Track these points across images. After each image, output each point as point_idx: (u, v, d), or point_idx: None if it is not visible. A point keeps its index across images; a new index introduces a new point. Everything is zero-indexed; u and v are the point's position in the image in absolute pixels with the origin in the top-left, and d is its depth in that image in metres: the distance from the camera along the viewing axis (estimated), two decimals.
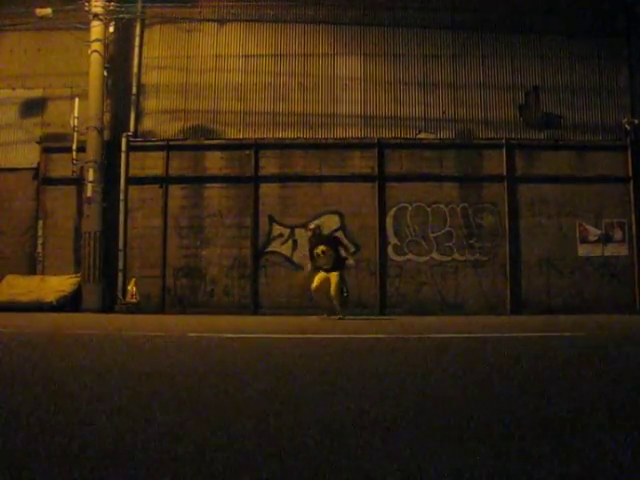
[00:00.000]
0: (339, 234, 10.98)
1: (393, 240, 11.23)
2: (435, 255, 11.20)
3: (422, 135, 11.61)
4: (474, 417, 1.76)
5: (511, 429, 1.61)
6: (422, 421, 1.72)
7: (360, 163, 11.36)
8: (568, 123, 11.66)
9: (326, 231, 10.43)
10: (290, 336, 5.43)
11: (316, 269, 8.85)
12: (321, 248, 8.72)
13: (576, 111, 11.69)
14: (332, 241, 9.13)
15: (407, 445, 1.43)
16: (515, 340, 5.08)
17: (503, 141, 11.38)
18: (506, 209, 11.24)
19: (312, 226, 9.23)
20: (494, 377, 2.72)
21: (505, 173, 11.32)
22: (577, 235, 11.26)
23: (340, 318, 8.52)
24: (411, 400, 2.09)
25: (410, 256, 11.21)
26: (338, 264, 8.81)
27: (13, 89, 11.87)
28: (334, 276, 8.68)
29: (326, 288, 8.66)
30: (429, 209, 11.29)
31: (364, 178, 11.31)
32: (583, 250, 11.24)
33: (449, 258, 11.20)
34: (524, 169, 11.40)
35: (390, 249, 11.22)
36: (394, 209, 11.28)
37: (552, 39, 11.81)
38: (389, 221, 11.26)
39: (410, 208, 11.28)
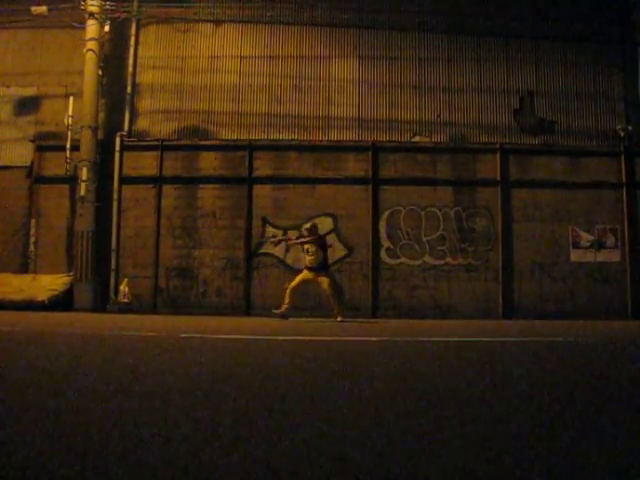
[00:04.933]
0: (331, 237, 11.02)
1: (386, 243, 11.25)
2: (428, 259, 11.22)
3: (417, 138, 11.63)
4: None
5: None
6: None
7: (354, 166, 11.37)
8: (562, 128, 11.70)
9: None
10: (282, 338, 5.43)
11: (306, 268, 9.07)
12: (306, 246, 8.97)
13: (570, 117, 11.73)
14: (320, 240, 9.20)
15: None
16: (498, 344, 5.10)
17: (497, 146, 11.41)
18: (499, 214, 11.27)
19: (308, 226, 9.36)
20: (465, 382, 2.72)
21: (499, 178, 11.35)
22: (570, 240, 11.29)
23: (341, 321, 8.62)
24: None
25: (403, 259, 11.22)
26: (325, 264, 9.00)
27: (7, 87, 11.86)
28: (325, 281, 8.85)
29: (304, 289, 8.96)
30: (423, 213, 11.31)
31: (358, 181, 11.33)
32: (575, 255, 11.27)
33: (442, 262, 11.22)
34: (518, 174, 11.43)
35: (383, 252, 11.23)
36: (387, 212, 11.29)
37: (547, 45, 11.86)
38: (382, 224, 11.27)
39: (404, 211, 11.30)
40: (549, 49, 11.85)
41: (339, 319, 8.75)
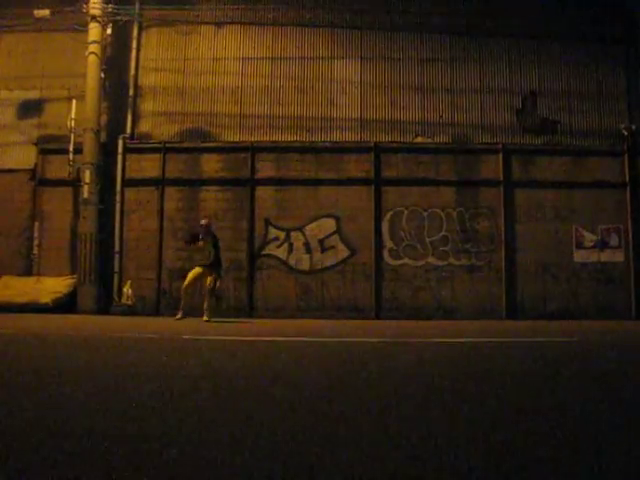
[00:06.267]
0: (334, 238, 11.11)
1: (389, 244, 11.24)
2: (431, 259, 11.20)
3: (419, 139, 11.61)
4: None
5: None
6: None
7: (356, 167, 11.36)
8: (565, 128, 11.67)
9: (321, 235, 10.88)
10: (288, 339, 5.44)
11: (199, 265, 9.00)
12: (206, 245, 8.91)
13: (573, 116, 11.70)
14: (215, 240, 9.10)
15: None
16: (504, 345, 5.08)
17: (500, 146, 11.38)
18: (502, 214, 11.25)
19: (204, 222, 9.20)
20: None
21: (502, 178, 11.32)
22: (573, 240, 11.26)
23: (207, 320, 8.69)
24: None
25: (406, 260, 11.21)
26: (217, 264, 8.98)
27: (10, 90, 11.88)
28: (210, 279, 8.85)
29: (197, 287, 9.01)
30: (425, 213, 11.29)
31: (360, 182, 11.32)
32: (579, 256, 11.24)
33: (445, 263, 11.20)
34: (521, 174, 11.40)
35: (386, 253, 11.22)
36: (390, 213, 11.28)
37: (550, 44, 11.82)
38: (385, 225, 11.26)
39: (406, 212, 11.29)
40: (552, 49, 11.81)
41: (205, 319, 8.77)
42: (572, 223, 11.28)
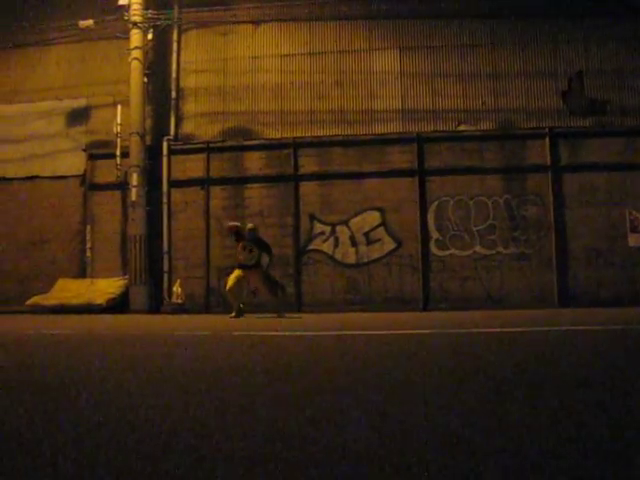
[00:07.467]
0: (381, 230, 11.10)
1: (435, 235, 11.11)
2: (478, 249, 11.02)
3: (462, 127, 11.42)
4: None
5: None
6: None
7: (400, 158, 11.27)
8: (615, 108, 11.25)
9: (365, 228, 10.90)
10: (335, 333, 5.44)
11: (239, 266, 8.95)
12: (249, 246, 8.87)
13: (623, 95, 11.27)
14: (257, 241, 9.06)
15: None
16: (566, 334, 4.96)
17: (546, 130, 11.08)
18: (551, 200, 10.95)
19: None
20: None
21: (549, 163, 11.02)
22: (627, 224, 10.88)
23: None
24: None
25: (453, 250, 11.06)
26: (259, 262, 9.01)
27: (60, 100, 12.30)
28: (258, 272, 8.95)
29: (243, 286, 9.02)
30: (471, 202, 11.11)
31: (404, 173, 11.22)
32: (634, 240, 10.85)
33: (493, 252, 11.00)
34: (569, 158, 11.07)
35: (432, 244, 11.10)
36: (435, 203, 11.15)
37: (595, 21, 11.40)
38: (431, 216, 11.14)
39: (452, 202, 11.13)
40: (597, 25, 11.38)
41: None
42: (626, 207, 10.88)
